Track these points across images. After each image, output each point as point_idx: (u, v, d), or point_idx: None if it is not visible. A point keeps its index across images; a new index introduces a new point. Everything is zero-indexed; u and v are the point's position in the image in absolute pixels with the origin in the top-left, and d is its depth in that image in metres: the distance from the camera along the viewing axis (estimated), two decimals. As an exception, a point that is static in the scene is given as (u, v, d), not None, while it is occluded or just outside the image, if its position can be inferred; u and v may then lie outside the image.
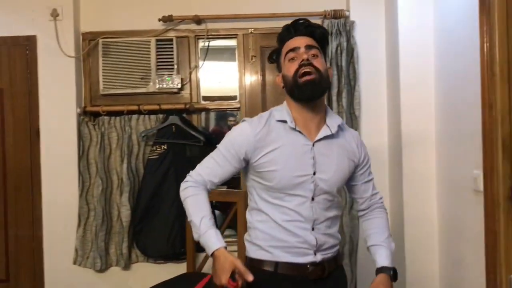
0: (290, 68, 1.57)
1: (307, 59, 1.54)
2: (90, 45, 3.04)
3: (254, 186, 1.63)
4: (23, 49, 2.98)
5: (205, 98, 3.13)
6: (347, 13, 2.93)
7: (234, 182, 2.97)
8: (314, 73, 1.53)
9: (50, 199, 2.97)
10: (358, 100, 2.88)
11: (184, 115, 3.01)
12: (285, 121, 1.58)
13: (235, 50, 3.10)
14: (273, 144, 1.56)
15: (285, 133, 1.58)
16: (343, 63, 2.86)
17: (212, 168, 1.63)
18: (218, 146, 1.65)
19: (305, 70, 1.53)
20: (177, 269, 2.86)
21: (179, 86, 2.98)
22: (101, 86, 3.00)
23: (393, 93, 2.76)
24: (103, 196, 2.91)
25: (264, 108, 2.99)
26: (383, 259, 1.65)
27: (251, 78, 3.08)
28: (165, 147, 2.91)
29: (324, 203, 1.59)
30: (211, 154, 1.66)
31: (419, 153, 2.58)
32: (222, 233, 1.91)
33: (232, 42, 3.13)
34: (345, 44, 2.86)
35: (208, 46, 3.08)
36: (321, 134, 1.60)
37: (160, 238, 2.88)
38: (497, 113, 1.87)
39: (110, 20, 3.05)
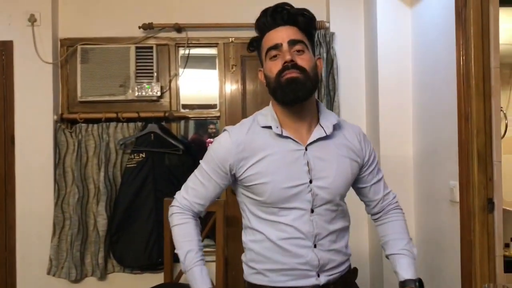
0: (272, 68, 1.39)
1: (291, 60, 1.35)
2: (68, 52, 3.00)
3: (245, 202, 1.47)
4: (-1, 54, 2.93)
5: (185, 106, 3.11)
6: (327, 24, 2.96)
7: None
8: (298, 74, 1.35)
9: (24, 207, 2.90)
10: (337, 110, 2.90)
11: (163, 123, 2.98)
12: (270, 127, 1.41)
13: (216, 59, 3.09)
14: (259, 154, 1.39)
15: (272, 140, 1.40)
16: (323, 74, 2.87)
17: (197, 189, 1.49)
18: (201, 162, 1.50)
19: (288, 74, 1.36)
20: (154, 279, 2.81)
21: (159, 94, 2.96)
22: (79, 93, 2.96)
23: (372, 103, 2.79)
24: (79, 205, 2.86)
25: (244, 117, 2.97)
26: (404, 270, 1.48)
27: (232, 87, 3.08)
28: (144, 156, 2.87)
29: (326, 215, 1.41)
30: (195, 171, 1.51)
31: (396, 163, 2.61)
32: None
33: (212, 51, 3.13)
34: (325, 55, 2.88)
35: (189, 54, 3.07)
36: (314, 136, 1.41)
37: (137, 248, 2.83)
38: (472, 125, 1.91)
39: (89, 27, 3.01)
